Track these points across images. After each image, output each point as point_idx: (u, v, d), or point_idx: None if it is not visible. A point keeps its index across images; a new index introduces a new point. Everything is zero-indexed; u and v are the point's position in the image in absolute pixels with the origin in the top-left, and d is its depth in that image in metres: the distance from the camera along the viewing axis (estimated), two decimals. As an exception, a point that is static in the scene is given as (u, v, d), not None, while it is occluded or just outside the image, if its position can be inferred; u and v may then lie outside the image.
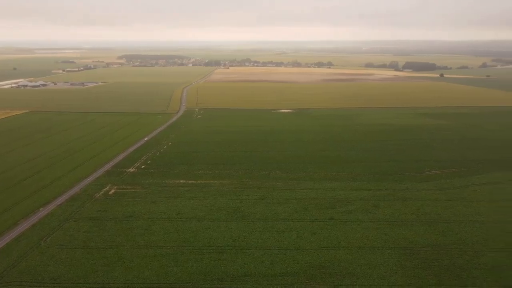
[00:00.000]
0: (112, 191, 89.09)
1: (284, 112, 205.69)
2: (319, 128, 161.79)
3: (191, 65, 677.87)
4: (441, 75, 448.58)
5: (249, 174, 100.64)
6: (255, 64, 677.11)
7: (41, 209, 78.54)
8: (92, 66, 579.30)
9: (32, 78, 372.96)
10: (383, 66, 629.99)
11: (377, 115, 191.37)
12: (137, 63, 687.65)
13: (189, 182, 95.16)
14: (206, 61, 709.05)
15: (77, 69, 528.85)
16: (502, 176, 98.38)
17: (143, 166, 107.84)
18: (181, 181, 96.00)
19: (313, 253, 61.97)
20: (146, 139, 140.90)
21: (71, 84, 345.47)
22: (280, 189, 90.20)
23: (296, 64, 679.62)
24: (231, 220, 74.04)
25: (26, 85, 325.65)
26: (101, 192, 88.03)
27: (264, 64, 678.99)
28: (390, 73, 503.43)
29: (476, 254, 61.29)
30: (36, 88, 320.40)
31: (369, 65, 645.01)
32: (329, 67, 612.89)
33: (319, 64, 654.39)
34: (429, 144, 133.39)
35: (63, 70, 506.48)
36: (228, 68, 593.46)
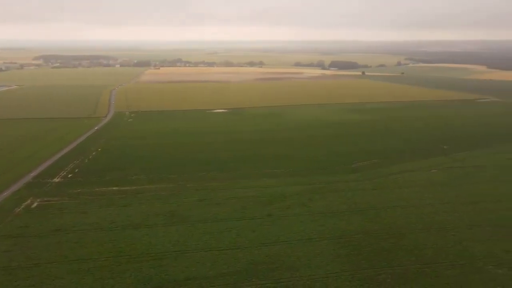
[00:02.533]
0: (35, 204, 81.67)
1: (218, 112, 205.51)
2: (254, 127, 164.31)
3: (118, 65, 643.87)
4: (363, 73, 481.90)
5: (186, 176, 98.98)
6: (187, 64, 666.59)
7: None
8: (3, 68, 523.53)
9: None
10: (311, 65, 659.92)
11: (308, 112, 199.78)
12: (57, 64, 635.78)
13: (123, 188, 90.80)
14: (135, 61, 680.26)
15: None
16: (417, 164, 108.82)
17: (70, 175, 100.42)
18: (113, 188, 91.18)
19: (253, 250, 62.94)
20: (72, 146, 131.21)
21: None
22: (218, 190, 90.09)
23: (229, 63, 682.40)
24: (169, 225, 72.21)
25: None
26: (22, 207, 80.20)
27: (196, 64, 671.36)
28: (318, 71, 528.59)
29: (400, 237, 67.06)
30: None
31: (297, 64, 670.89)
32: (261, 66, 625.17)
33: (251, 64, 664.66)
34: (356, 137, 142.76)
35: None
36: (159, 68, 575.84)
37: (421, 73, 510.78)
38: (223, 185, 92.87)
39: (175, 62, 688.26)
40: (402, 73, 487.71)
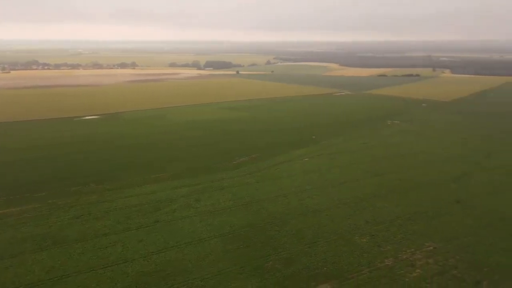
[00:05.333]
0: None
1: (90, 118, 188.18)
2: (132, 131, 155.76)
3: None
4: (237, 72, 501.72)
5: (56, 193, 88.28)
6: (46, 67, 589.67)
7: None
8: None
9: None
10: (186, 65, 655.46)
11: (188, 112, 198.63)
12: None
13: (-27, 217, 76.13)
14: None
15: None
16: (292, 155, 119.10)
17: None
18: (-40, 218, 75.74)
19: (142, 261, 60.22)
20: None
21: None
22: (98, 203, 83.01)
23: (97, 65, 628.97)
24: (40, 250, 63.63)
25: None
26: None
27: (58, 66, 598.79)
28: (194, 71, 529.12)
29: (283, 224, 72.62)
30: None
31: (173, 65, 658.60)
32: (134, 68, 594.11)
33: (123, 65, 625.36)
34: (236, 134, 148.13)
35: None
36: (9, 72, 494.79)
37: (287, 70, 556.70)
38: (103, 198, 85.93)
39: (30, 64, 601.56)
40: (272, 71, 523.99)
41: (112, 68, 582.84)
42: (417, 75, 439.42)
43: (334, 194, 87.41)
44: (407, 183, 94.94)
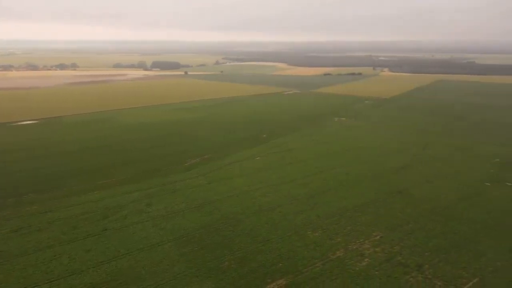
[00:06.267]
0: None
1: (27, 124, 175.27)
2: (75, 136, 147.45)
3: None
4: (186, 72, 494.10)
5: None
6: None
7: None
8: None
9: None
10: (132, 66, 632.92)
11: (137, 115, 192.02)
12: None
13: None
14: None
15: None
16: (244, 154, 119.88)
17: None
18: None
19: (91, 272, 57.43)
20: None
21: None
22: (39, 214, 77.66)
23: (32, 66, 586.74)
24: (-26, 269, 58.33)
25: None
26: None
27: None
28: (141, 72, 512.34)
29: (237, 223, 72.90)
30: None
31: (118, 66, 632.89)
32: (75, 69, 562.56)
33: (62, 66, 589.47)
34: (187, 135, 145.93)
35: None
36: None
37: (237, 70, 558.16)
38: (45, 208, 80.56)
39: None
40: (221, 71, 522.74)
41: (50, 70, 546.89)
42: (360, 73, 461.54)
43: (286, 191, 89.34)
44: (354, 176, 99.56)
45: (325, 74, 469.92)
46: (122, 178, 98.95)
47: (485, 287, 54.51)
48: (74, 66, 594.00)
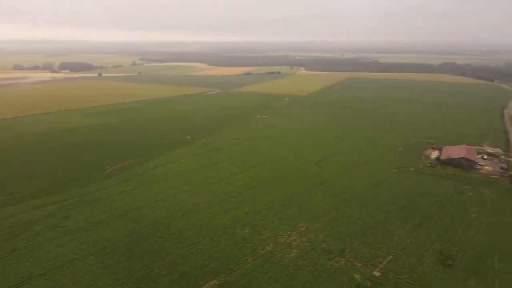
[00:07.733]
0: None
1: None
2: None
3: None
4: (100, 74, 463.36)
5: None
6: None
7: None
8: None
9: None
10: (36, 68, 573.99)
11: (43, 122, 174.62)
12: None
13: None
14: None
15: None
16: (168, 157, 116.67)
17: None
18: None
19: (1, 299, 51.18)
20: None
21: None
22: None
23: None
24: None
25: None
26: None
27: None
28: (47, 75, 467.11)
29: (165, 228, 70.85)
30: None
31: (18, 68, 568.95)
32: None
33: None
34: (103, 141, 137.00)
35: None
36: None
37: (156, 71, 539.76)
38: None
39: None
40: (139, 72, 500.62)
41: None
42: (278, 72, 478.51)
43: (214, 191, 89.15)
44: (279, 172, 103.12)
45: (245, 74, 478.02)
46: (32, 191, 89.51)
47: (398, 263, 60.68)
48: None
